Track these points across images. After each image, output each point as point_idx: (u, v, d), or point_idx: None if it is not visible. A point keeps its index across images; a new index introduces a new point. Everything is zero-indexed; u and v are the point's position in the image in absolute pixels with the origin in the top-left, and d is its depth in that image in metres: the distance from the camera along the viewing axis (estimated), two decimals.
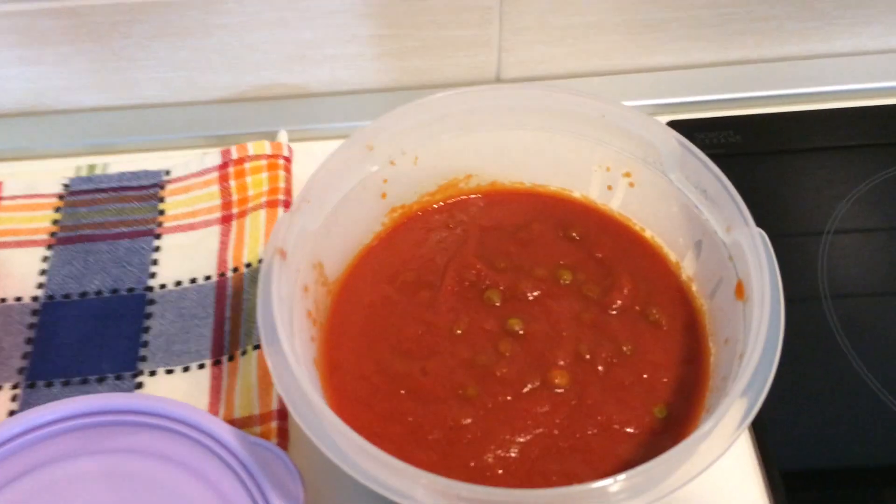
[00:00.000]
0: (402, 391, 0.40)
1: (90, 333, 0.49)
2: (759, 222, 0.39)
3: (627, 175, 0.45)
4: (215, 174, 0.56)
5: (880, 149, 0.58)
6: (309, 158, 0.48)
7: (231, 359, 0.47)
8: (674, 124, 0.58)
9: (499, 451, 0.38)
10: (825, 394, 0.45)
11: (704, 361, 0.41)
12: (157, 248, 0.53)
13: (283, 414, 0.45)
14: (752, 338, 0.34)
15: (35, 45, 0.58)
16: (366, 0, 0.57)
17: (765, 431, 0.44)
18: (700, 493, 0.42)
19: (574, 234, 0.47)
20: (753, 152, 0.57)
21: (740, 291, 0.38)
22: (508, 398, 0.40)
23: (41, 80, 0.60)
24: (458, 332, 0.42)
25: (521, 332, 0.42)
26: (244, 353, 0.47)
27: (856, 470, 0.43)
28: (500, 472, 0.37)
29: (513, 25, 0.59)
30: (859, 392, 0.45)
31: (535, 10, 0.59)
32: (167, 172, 0.57)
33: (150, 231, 0.54)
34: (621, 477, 0.31)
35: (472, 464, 0.38)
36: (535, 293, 0.44)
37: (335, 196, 0.43)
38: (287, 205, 0.53)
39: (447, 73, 0.62)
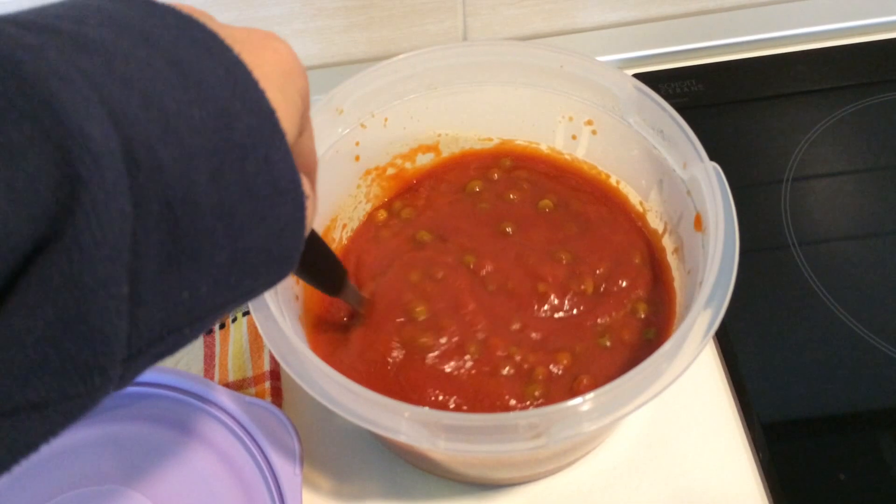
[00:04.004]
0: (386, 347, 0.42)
1: None
2: (725, 171, 0.40)
3: (589, 123, 0.47)
4: None
5: (829, 92, 0.59)
6: None
7: (222, 326, 0.49)
8: (637, 77, 0.60)
9: (489, 385, 0.40)
10: (805, 340, 0.46)
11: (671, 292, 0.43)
12: None
13: (275, 374, 0.47)
14: (709, 259, 0.36)
15: None
16: None
17: (744, 385, 0.45)
18: (682, 449, 0.43)
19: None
20: (715, 100, 0.59)
21: (698, 223, 0.40)
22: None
23: None
24: (440, 276, 0.44)
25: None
26: (234, 320, 0.49)
27: (839, 415, 0.43)
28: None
29: None
30: (840, 334, 0.46)
31: None
32: None
33: None
34: (589, 396, 0.33)
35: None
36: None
37: None
38: None
39: (415, 41, 0.64)
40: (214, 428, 0.42)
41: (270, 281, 0.25)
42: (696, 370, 0.46)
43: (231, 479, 0.41)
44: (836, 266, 0.50)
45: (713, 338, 0.47)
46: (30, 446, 0.20)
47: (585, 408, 0.33)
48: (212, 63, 0.22)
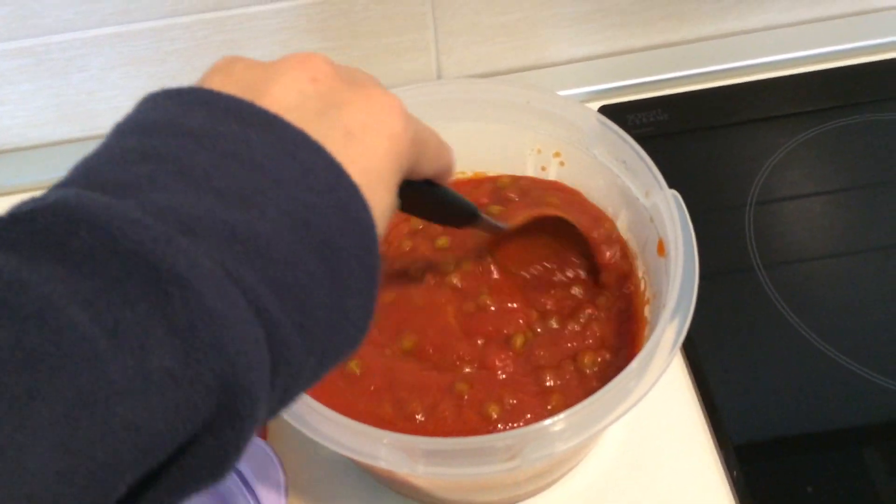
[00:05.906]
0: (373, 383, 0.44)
1: None
2: (688, 198, 0.41)
3: (557, 155, 0.49)
4: None
5: (790, 118, 0.61)
6: None
7: None
8: (606, 108, 0.62)
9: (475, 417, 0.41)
10: (773, 360, 0.47)
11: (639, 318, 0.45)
12: None
13: None
14: (671, 280, 0.38)
15: None
16: (307, 16, 0.60)
17: (715, 406, 0.46)
18: (657, 469, 0.45)
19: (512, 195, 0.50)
20: (680, 129, 0.61)
21: (661, 249, 0.42)
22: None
23: (5, 119, 0.63)
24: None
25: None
26: None
27: (810, 435, 0.45)
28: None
29: (447, 28, 0.63)
30: (807, 353, 0.47)
31: (467, 12, 0.62)
32: None
33: None
34: (560, 416, 0.34)
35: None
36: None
37: None
38: None
39: (391, 80, 0.66)
40: None
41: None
42: (667, 393, 0.47)
43: None
44: (801, 286, 0.51)
45: (684, 361, 0.49)
46: None
47: (557, 428, 0.34)
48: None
